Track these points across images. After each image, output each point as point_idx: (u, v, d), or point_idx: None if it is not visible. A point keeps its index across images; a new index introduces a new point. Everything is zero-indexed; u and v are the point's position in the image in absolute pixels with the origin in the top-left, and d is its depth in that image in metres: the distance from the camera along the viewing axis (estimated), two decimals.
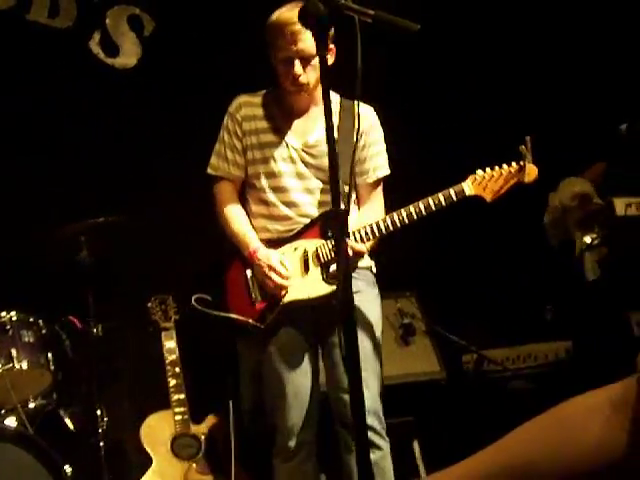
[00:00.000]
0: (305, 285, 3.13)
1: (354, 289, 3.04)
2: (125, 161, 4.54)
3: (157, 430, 3.86)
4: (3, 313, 3.71)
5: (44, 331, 3.78)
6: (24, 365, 3.64)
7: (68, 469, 3.35)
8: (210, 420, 3.89)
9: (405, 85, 5.04)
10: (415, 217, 3.05)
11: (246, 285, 3.21)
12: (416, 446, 4.35)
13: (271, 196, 3.19)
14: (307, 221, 3.17)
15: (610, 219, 4.27)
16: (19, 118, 4.49)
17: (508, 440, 1.13)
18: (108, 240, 3.84)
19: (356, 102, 3.10)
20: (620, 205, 4.24)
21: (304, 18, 1.93)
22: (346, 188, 2.98)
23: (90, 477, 3.72)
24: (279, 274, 3.09)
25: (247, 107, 3.22)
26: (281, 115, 3.20)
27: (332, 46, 3.08)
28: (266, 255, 3.11)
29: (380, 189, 3.31)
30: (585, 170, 4.79)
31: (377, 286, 3.33)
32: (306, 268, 3.14)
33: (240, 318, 3.18)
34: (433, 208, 3.04)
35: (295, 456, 3.24)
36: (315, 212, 3.18)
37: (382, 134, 3.29)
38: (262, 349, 3.25)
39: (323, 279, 3.11)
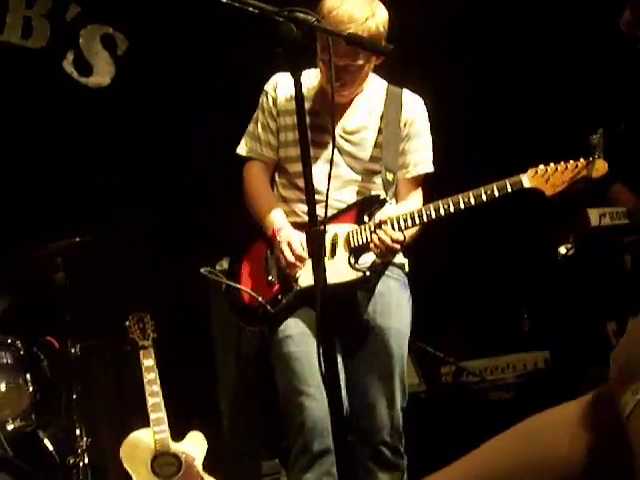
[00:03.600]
0: (328, 270, 2.83)
1: (383, 288, 3.00)
2: (100, 180, 4.54)
3: (137, 449, 3.83)
4: None
5: (22, 352, 3.77)
6: (2, 387, 3.63)
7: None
8: (190, 438, 3.88)
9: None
10: (462, 207, 2.84)
11: (265, 266, 3.01)
12: None
13: (297, 180, 3.00)
14: (339, 206, 2.99)
15: (584, 229, 4.30)
16: None
17: (477, 455, 1.15)
18: (84, 260, 3.83)
19: (418, 100, 3.02)
20: (594, 215, 4.27)
21: (277, 40, 1.93)
22: (391, 176, 2.96)
23: None
24: (294, 253, 2.89)
25: (284, 85, 3.02)
26: (321, 97, 3.00)
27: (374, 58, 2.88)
28: (288, 234, 2.92)
29: (420, 188, 3.10)
30: None
31: (409, 288, 3.11)
32: (333, 253, 2.93)
33: (252, 293, 2.95)
34: (484, 199, 2.81)
35: (315, 463, 2.87)
36: (343, 199, 3.00)
37: (428, 128, 3.09)
38: (271, 339, 3.00)
39: (349, 265, 2.91)
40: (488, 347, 4.92)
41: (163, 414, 3.80)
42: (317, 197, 2.96)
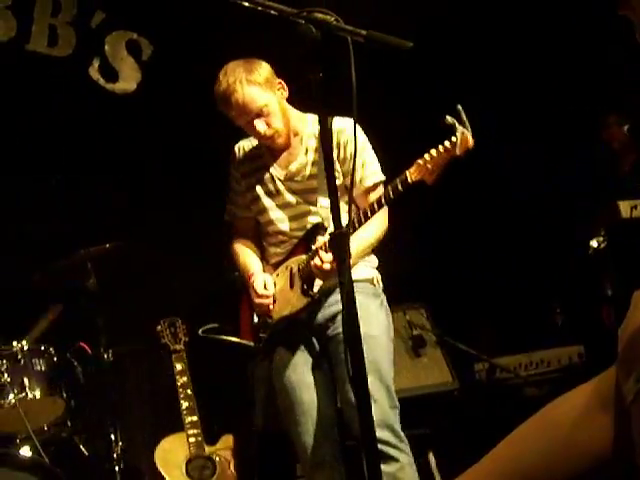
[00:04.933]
0: (289, 300, 3.18)
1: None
2: (129, 186, 4.57)
3: (171, 453, 3.86)
4: (14, 343, 3.73)
5: (55, 359, 3.80)
6: (37, 394, 3.66)
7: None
8: (224, 441, 3.89)
9: None
10: (370, 215, 2.97)
11: (251, 309, 3.31)
12: (432, 458, 4.33)
13: (268, 228, 3.29)
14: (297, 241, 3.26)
15: (616, 222, 4.26)
16: (21, 147, 4.53)
17: (500, 449, 1.13)
18: (115, 266, 3.86)
19: (347, 123, 3.12)
20: (625, 207, 4.23)
21: (297, 41, 1.92)
22: (327, 202, 2.99)
23: None
24: (256, 293, 3.17)
25: (242, 151, 3.35)
26: (268, 152, 3.29)
27: (279, 80, 3.17)
28: (254, 278, 3.22)
29: (375, 195, 3.15)
30: None
31: (382, 297, 3.27)
32: (292, 284, 3.19)
33: (238, 341, 3.31)
34: (384, 202, 2.95)
35: (315, 474, 3.17)
36: (301, 235, 3.23)
37: (366, 142, 3.25)
38: (268, 368, 3.31)
39: (301, 292, 3.14)
40: (521, 343, 4.88)
41: (196, 417, 3.81)
42: (283, 237, 3.25)
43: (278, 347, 3.23)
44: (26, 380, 3.64)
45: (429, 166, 2.82)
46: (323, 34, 1.91)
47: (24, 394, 3.62)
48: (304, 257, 3.15)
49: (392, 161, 3.09)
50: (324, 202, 3.16)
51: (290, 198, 3.23)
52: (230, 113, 3.15)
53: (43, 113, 4.57)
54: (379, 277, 3.29)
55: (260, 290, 3.18)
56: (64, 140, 4.58)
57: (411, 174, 2.86)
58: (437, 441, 4.37)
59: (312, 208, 3.20)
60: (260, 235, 3.37)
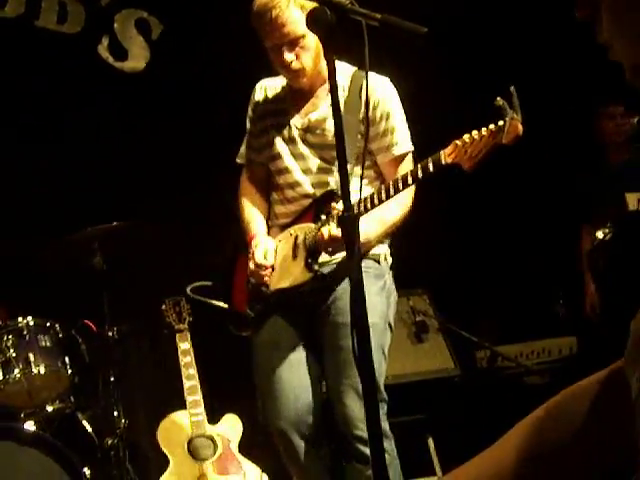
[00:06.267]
0: (290, 272, 2.97)
1: (346, 284, 2.87)
2: (136, 165, 4.57)
3: (174, 431, 3.88)
4: (20, 318, 3.75)
5: (60, 335, 3.82)
6: (41, 369, 3.68)
7: (87, 471, 3.39)
8: (226, 420, 3.91)
9: None
10: (393, 193, 2.73)
11: (246, 273, 3.09)
12: (431, 443, 4.36)
13: (278, 179, 3.07)
14: (308, 202, 3.01)
15: (622, 213, 4.26)
16: (29, 124, 4.53)
17: (500, 445, 1.13)
18: (121, 244, 3.87)
19: (383, 82, 2.96)
20: (632, 199, 4.23)
21: (312, 23, 1.93)
22: (348, 166, 2.82)
23: (108, 478, 3.75)
24: (255, 261, 2.96)
25: (262, 91, 3.14)
26: (290, 97, 3.08)
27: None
28: (256, 242, 3.00)
29: (404, 167, 2.96)
30: None
31: (386, 277, 3.05)
32: (295, 255, 2.97)
33: (228, 307, 3.10)
34: (410, 182, 2.68)
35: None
36: (314, 192, 3.00)
37: (399, 107, 3.01)
38: (252, 341, 3.13)
39: (305, 265, 2.92)
40: (523, 332, 4.90)
41: (199, 397, 3.83)
42: (292, 193, 3.02)
43: (269, 319, 3.04)
44: (31, 355, 3.66)
45: (468, 149, 2.55)
46: (338, 17, 1.92)
47: (29, 369, 3.64)
48: (312, 226, 2.93)
49: (428, 138, 2.84)
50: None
51: (304, 150, 3.01)
52: (262, 29, 2.87)
53: (51, 90, 4.57)
54: (388, 252, 3.10)
55: (259, 259, 2.96)
56: (72, 117, 4.58)
57: (446, 155, 2.60)
58: (437, 427, 4.40)
59: (329, 166, 2.97)
60: (270, 189, 3.15)
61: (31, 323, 3.74)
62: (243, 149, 3.20)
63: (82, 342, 3.90)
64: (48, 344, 3.75)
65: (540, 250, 5.13)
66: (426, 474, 4.32)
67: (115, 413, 3.76)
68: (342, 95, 2.93)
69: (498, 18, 5.06)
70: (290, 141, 3.02)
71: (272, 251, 2.98)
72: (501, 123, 2.47)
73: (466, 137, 2.55)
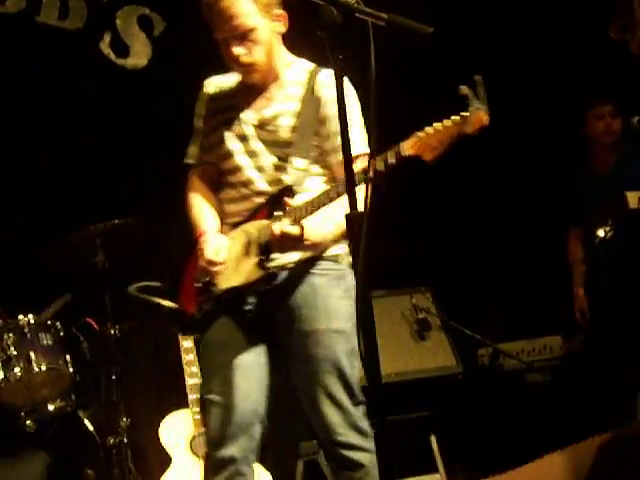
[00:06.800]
0: (242, 270, 2.81)
1: (307, 289, 2.80)
2: (138, 162, 4.56)
3: (176, 429, 3.88)
4: (21, 316, 3.75)
5: (62, 333, 3.83)
6: (43, 367, 3.68)
7: (89, 471, 3.38)
8: None
9: None
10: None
11: (196, 272, 2.94)
12: (433, 441, 4.36)
13: (230, 178, 2.93)
14: (262, 200, 2.86)
15: (623, 212, 4.25)
16: (29, 120, 4.51)
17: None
18: (123, 242, 3.86)
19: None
20: (633, 198, 4.22)
21: (318, 23, 1.91)
22: (303, 163, 2.79)
23: (110, 477, 3.75)
24: (204, 258, 2.80)
25: (211, 87, 3.01)
26: (242, 92, 2.93)
27: (281, 12, 2.82)
28: (205, 239, 2.85)
29: (358, 168, 2.71)
30: None
31: (348, 277, 2.87)
32: (247, 252, 2.82)
33: (173, 306, 2.94)
34: (372, 175, 2.47)
35: (218, 472, 2.81)
36: (268, 190, 2.85)
37: (355, 106, 2.83)
38: (200, 342, 2.99)
39: (258, 263, 2.78)
40: (525, 329, 4.89)
41: None
42: (245, 191, 2.86)
43: (218, 320, 2.88)
44: (32, 354, 3.66)
45: (430, 141, 2.42)
46: (344, 16, 1.90)
47: (30, 367, 3.65)
48: (265, 222, 2.77)
49: (390, 130, 2.80)
50: (299, 163, 2.81)
51: (258, 147, 2.87)
52: (212, 21, 2.77)
53: (52, 86, 4.55)
54: (347, 251, 2.90)
55: (209, 255, 2.80)
56: (73, 114, 4.56)
57: (407, 147, 2.47)
58: (439, 424, 4.40)
59: (283, 163, 2.83)
60: (221, 188, 2.99)
61: (32, 321, 3.74)
62: (192, 148, 3.06)
63: (83, 340, 3.90)
64: (49, 342, 3.75)
65: (543, 248, 5.12)
66: (428, 471, 4.32)
67: (117, 412, 3.76)
68: (299, 90, 2.85)
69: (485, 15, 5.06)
70: (243, 138, 2.89)
71: (223, 248, 2.83)
72: (465, 114, 2.34)
73: (428, 129, 2.43)
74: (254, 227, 2.82)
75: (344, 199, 2.43)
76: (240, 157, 2.88)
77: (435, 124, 2.41)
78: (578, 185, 4.70)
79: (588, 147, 4.74)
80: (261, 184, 2.85)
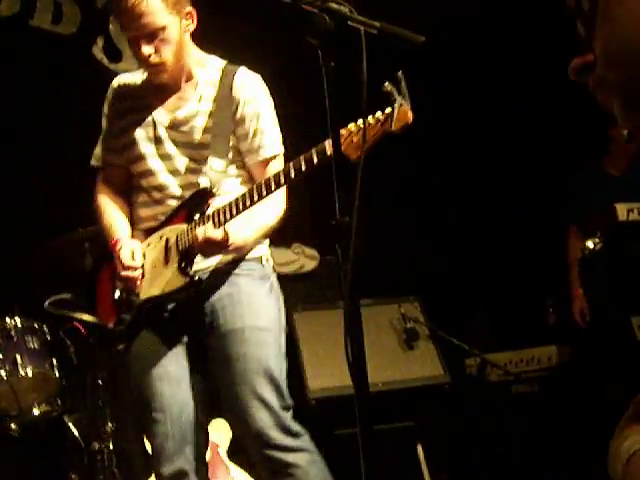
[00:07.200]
0: (162, 279, 2.72)
1: (230, 289, 2.75)
2: None
3: None
4: (7, 319, 3.73)
5: (49, 337, 3.81)
6: (29, 371, 3.66)
7: (73, 475, 3.36)
8: (215, 425, 3.90)
9: None
10: (274, 188, 2.54)
11: (112, 282, 2.85)
12: (420, 450, 4.36)
13: (142, 181, 2.83)
14: (177, 204, 2.79)
15: (612, 224, 4.27)
16: (21, 124, 4.50)
17: None
18: None
19: (254, 79, 2.77)
20: (622, 210, 4.24)
21: (310, 30, 1.91)
22: (221, 164, 2.73)
23: None
24: (122, 264, 2.70)
25: (120, 87, 2.91)
26: (153, 92, 2.83)
27: (190, 9, 2.76)
28: (120, 245, 2.75)
29: (273, 169, 2.74)
30: None
31: (271, 278, 2.86)
32: (167, 259, 2.72)
33: (93, 320, 2.93)
34: (293, 175, 2.48)
35: None
36: (183, 194, 2.78)
37: (270, 107, 2.83)
38: (123, 357, 2.89)
39: (179, 270, 2.68)
40: (513, 340, 4.90)
41: None
42: (159, 195, 2.78)
43: (141, 331, 2.79)
44: (18, 357, 3.64)
45: (354, 139, 2.34)
46: (337, 24, 1.91)
47: (16, 371, 3.62)
48: (184, 227, 2.70)
49: (309, 128, 2.67)
50: (216, 164, 2.72)
51: (171, 149, 2.78)
52: (121, 19, 2.68)
53: (45, 90, 4.54)
54: (269, 254, 2.91)
55: (127, 261, 2.70)
56: (65, 118, 4.56)
57: (330, 146, 2.28)
58: (426, 434, 4.40)
59: (199, 166, 2.76)
60: (131, 192, 2.90)
61: (19, 324, 3.72)
62: (98, 150, 2.98)
63: (70, 344, 3.88)
64: (36, 346, 3.73)
65: (530, 258, 5.14)
66: None
67: (102, 417, 3.74)
68: (212, 91, 2.79)
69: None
70: (155, 140, 2.80)
71: (139, 252, 2.74)
72: (389, 110, 2.28)
73: (352, 126, 2.36)
74: (172, 232, 2.73)
75: (265, 200, 2.58)
76: (153, 160, 2.80)
77: (359, 120, 2.33)
78: (585, 184, 4.72)
79: (605, 147, 4.76)
80: (175, 189, 2.78)
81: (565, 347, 4.78)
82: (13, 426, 3.65)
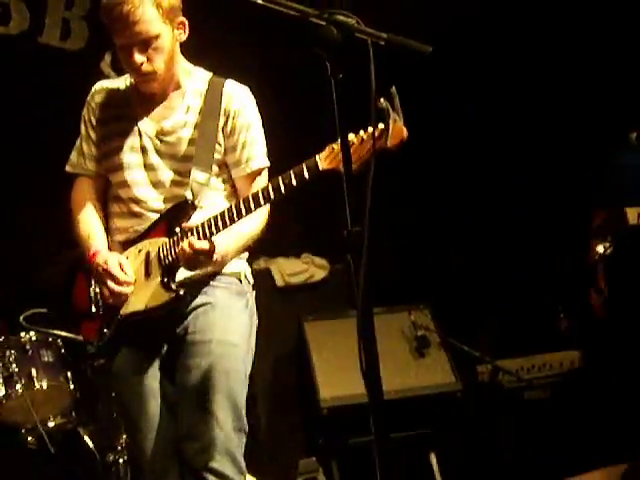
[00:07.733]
0: (144, 294, 2.65)
1: (207, 300, 2.70)
2: None
3: None
4: (22, 333, 3.76)
5: (63, 350, 3.82)
6: (44, 384, 3.69)
7: None
8: None
9: None
10: (263, 203, 2.51)
11: (89, 297, 2.78)
12: (433, 458, 4.36)
13: (120, 192, 2.76)
14: (157, 217, 2.72)
15: (622, 228, 4.27)
16: (31, 139, 4.54)
17: None
18: None
19: (242, 91, 2.74)
20: (633, 214, 4.24)
21: (318, 42, 1.92)
22: (204, 177, 2.68)
23: None
24: (115, 280, 2.63)
25: (103, 93, 2.83)
26: (138, 101, 2.77)
27: (182, 18, 2.72)
28: (104, 258, 2.66)
29: (259, 183, 2.74)
30: None
31: (248, 295, 2.82)
32: (147, 273, 2.66)
33: (71, 336, 2.89)
34: (283, 190, 2.44)
35: None
36: (162, 207, 2.72)
37: (258, 119, 2.80)
38: (108, 373, 2.83)
39: (162, 285, 2.62)
40: (524, 346, 4.90)
41: None
42: (137, 208, 2.71)
43: (124, 347, 2.73)
44: (33, 371, 3.67)
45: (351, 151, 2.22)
46: (344, 36, 1.93)
47: (31, 384, 3.65)
48: (165, 240, 2.63)
49: (298, 143, 2.65)
50: (199, 176, 2.66)
51: (155, 160, 2.72)
52: (111, 26, 2.60)
53: (53, 106, 4.57)
54: (248, 271, 2.86)
55: (122, 276, 2.62)
56: (75, 134, 4.58)
57: (322, 160, 2.38)
58: (439, 442, 4.40)
59: (182, 179, 2.70)
60: (107, 201, 2.84)
61: (34, 338, 3.75)
62: (75, 156, 2.90)
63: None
64: (51, 359, 3.76)
65: (542, 264, 5.14)
66: None
67: (116, 429, 3.76)
68: (199, 102, 2.75)
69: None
70: (140, 150, 2.73)
71: (129, 266, 2.67)
72: (382, 126, 2.22)
73: (350, 138, 2.28)
74: (152, 245, 2.67)
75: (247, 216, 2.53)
76: (135, 171, 2.73)
77: (351, 136, 2.27)
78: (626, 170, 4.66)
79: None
80: (156, 202, 2.72)
81: (577, 352, 4.78)
82: (29, 439, 3.68)
